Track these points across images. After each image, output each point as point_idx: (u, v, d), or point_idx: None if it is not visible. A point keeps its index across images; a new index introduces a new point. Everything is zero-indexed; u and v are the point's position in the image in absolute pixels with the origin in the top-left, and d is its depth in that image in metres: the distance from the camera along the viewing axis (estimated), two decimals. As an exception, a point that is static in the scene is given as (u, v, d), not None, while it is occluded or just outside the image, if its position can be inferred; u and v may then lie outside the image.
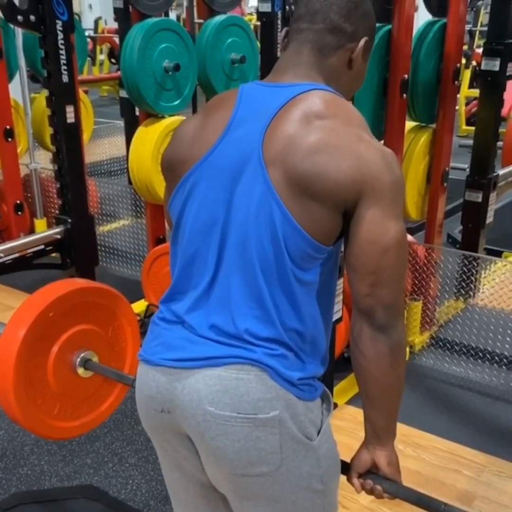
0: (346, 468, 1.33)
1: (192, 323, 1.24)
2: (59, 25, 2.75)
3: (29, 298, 1.71)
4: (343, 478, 1.34)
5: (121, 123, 5.33)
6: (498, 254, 4.10)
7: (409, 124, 3.14)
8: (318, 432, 1.24)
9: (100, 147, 6.11)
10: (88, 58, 8.68)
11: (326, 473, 1.26)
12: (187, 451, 1.28)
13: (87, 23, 11.77)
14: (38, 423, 1.71)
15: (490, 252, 3.87)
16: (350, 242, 1.18)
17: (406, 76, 2.86)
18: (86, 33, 7.71)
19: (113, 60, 10.32)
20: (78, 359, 1.75)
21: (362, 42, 1.26)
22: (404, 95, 2.89)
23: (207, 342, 1.21)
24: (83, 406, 1.81)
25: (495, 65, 3.33)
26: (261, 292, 1.19)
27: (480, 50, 8.01)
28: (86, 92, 6.44)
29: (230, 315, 1.21)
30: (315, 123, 1.16)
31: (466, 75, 7.33)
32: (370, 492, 1.31)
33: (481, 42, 8.41)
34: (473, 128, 3.84)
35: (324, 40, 1.24)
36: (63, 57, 2.80)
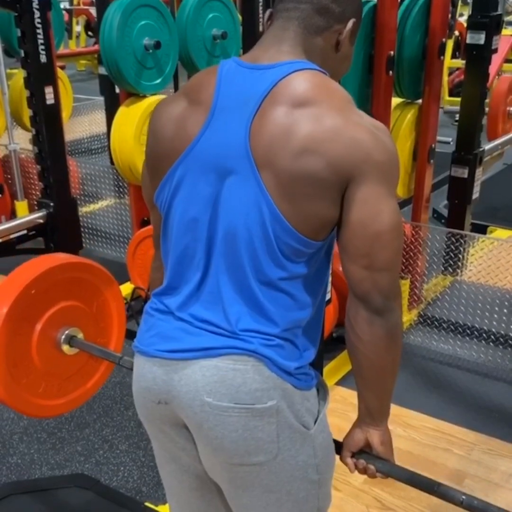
0: (338, 447, 1.32)
1: (185, 318, 1.23)
2: (35, 3, 2.67)
3: (10, 276, 1.64)
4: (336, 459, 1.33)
5: (101, 98, 5.22)
6: (484, 228, 4.11)
7: (395, 100, 3.10)
8: (315, 422, 1.24)
9: (80, 124, 6.01)
10: (65, 32, 8.48)
11: (321, 462, 1.26)
12: (184, 441, 1.28)
13: (62, -6, 11.47)
14: (23, 402, 1.67)
15: (475, 226, 3.86)
16: (343, 225, 1.15)
17: (392, 52, 2.81)
18: (61, 5, 7.50)
19: (90, 33, 10.10)
20: (63, 336, 1.70)
21: (350, 23, 1.22)
22: (390, 72, 2.84)
23: (203, 333, 1.20)
24: (68, 384, 1.76)
25: (480, 38, 3.29)
26: (252, 289, 1.18)
27: (462, 19, 7.95)
28: (63, 67, 6.28)
29: (222, 312, 1.20)
30: (300, 113, 1.12)
31: (449, 45, 7.26)
32: (363, 471, 1.30)
33: (464, 11, 8.36)
34: (457, 99, 3.80)
35: (311, 20, 1.20)
36: (40, 36, 2.73)
